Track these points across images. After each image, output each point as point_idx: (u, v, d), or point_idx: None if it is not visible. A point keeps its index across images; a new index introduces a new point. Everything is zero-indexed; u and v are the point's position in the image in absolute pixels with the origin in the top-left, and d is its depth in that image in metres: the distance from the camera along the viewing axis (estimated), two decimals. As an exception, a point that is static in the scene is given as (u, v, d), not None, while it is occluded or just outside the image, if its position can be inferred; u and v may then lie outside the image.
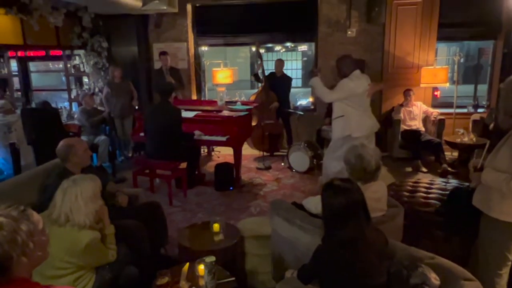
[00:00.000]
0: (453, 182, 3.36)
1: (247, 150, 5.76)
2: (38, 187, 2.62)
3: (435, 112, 5.34)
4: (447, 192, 2.96)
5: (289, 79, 5.94)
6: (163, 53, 5.70)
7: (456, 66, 5.68)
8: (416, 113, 5.30)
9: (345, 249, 1.58)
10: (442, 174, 4.70)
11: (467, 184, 2.84)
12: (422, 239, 2.58)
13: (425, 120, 5.39)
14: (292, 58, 15.78)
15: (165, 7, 5.35)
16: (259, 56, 5.67)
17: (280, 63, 5.91)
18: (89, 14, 5.64)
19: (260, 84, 5.80)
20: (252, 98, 5.74)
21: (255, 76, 5.80)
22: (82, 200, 1.97)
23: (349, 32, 5.79)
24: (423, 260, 1.69)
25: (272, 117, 5.69)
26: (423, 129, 5.27)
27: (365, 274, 1.59)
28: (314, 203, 2.25)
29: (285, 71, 5.90)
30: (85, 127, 5.05)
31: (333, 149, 3.83)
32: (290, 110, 5.71)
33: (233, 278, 2.09)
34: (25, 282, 1.16)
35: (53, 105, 5.11)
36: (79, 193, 1.98)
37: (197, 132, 4.47)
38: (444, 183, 3.31)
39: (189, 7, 6.20)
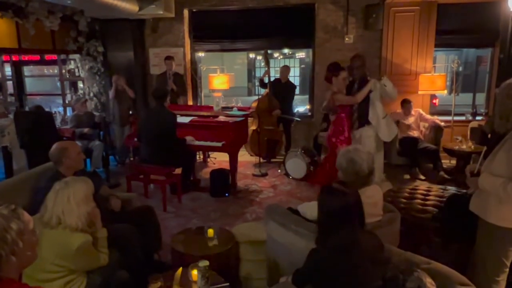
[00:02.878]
0: (451, 189, 3.34)
1: (244, 157, 5.72)
2: (30, 190, 2.60)
3: (436, 120, 5.28)
4: (445, 199, 2.94)
5: (293, 86, 5.96)
6: (168, 58, 5.69)
7: (454, 74, 5.70)
8: (415, 124, 5.26)
9: (339, 254, 1.58)
10: (439, 182, 4.68)
11: (464, 191, 2.82)
12: (419, 246, 2.55)
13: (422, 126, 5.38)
14: (290, 65, 15.84)
15: (161, 12, 5.36)
16: (267, 62, 5.69)
17: (286, 69, 5.93)
18: (86, 18, 5.64)
19: (263, 90, 5.80)
20: (254, 104, 5.72)
21: (261, 81, 5.82)
22: (74, 202, 1.95)
23: (346, 39, 5.81)
24: (419, 265, 1.67)
25: (273, 124, 5.67)
26: (421, 136, 5.26)
27: (358, 279, 1.57)
28: (309, 209, 2.22)
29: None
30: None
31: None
32: (285, 116, 5.68)
33: (227, 284, 2.06)
34: (13, 283, 1.14)
35: (47, 110, 5.06)
36: (72, 195, 1.96)
37: (188, 138, 4.45)
38: (441, 190, 3.29)
39: (185, 12, 6.22)
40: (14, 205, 1.19)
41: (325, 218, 1.66)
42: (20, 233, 1.15)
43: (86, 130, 4.99)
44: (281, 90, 5.69)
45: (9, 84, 6.19)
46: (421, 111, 5.37)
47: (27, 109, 5.57)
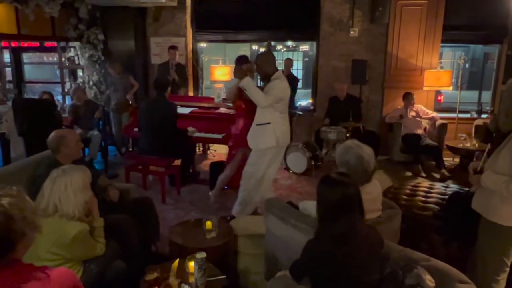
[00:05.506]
0: (453, 187, 3.31)
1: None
2: (27, 178, 2.56)
3: (434, 114, 5.26)
4: (447, 197, 2.91)
5: (295, 80, 5.89)
6: (172, 47, 5.64)
7: (460, 70, 5.63)
8: (419, 120, 5.21)
9: (335, 244, 1.57)
10: (441, 179, 4.65)
11: (467, 189, 2.79)
12: (420, 243, 2.53)
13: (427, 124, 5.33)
14: (293, 58, 15.72)
15: (163, 0, 5.29)
16: None
17: (289, 62, 5.87)
18: (86, 5, 5.57)
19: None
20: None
21: None
22: (71, 190, 1.94)
23: (351, 32, 5.74)
24: (419, 262, 1.66)
25: None
26: (424, 133, 5.21)
27: (354, 271, 1.56)
28: (310, 208, 2.18)
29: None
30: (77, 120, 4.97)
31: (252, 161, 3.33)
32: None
33: (224, 276, 2.04)
34: (21, 263, 1.16)
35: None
36: (69, 183, 1.94)
37: (190, 129, 4.40)
38: (444, 188, 3.26)
39: (188, 1, 6.13)
40: (15, 186, 1.20)
41: (324, 209, 1.64)
42: (34, 212, 1.17)
43: (80, 132, 4.87)
44: None
45: (8, 71, 6.13)
46: (422, 107, 5.31)
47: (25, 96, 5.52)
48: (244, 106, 3.64)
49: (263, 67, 3.23)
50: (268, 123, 3.18)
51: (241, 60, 3.46)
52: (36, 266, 1.18)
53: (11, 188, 1.17)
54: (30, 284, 1.11)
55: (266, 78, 3.23)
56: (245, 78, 3.11)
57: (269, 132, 3.20)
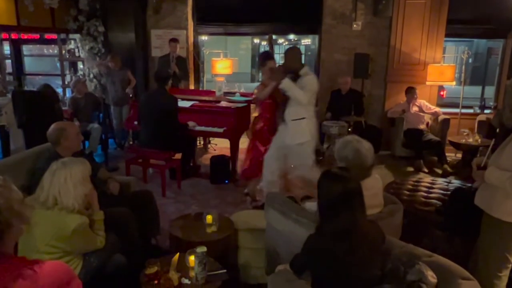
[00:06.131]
0: (455, 183, 3.29)
1: (245, 144, 5.64)
2: (27, 170, 2.56)
3: (436, 109, 5.25)
4: (449, 192, 2.90)
5: None
6: (174, 40, 5.59)
7: (463, 65, 5.59)
8: (422, 115, 5.19)
9: (336, 240, 1.56)
10: (442, 175, 4.63)
11: (469, 185, 2.78)
12: (422, 238, 2.52)
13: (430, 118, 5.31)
14: (294, 52, 15.61)
15: (164, -8, 5.23)
16: (271, 48, 5.57)
17: None
18: (86, -4, 5.52)
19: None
20: (256, 91, 5.62)
21: None
22: (71, 182, 1.91)
23: (354, 25, 5.68)
24: (421, 258, 1.65)
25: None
26: (426, 128, 5.19)
27: (355, 266, 1.56)
28: (309, 208, 2.16)
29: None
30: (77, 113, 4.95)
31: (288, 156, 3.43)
32: None
33: (224, 270, 2.04)
34: (11, 258, 1.12)
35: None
36: (68, 176, 1.92)
37: (190, 123, 4.38)
38: (446, 183, 3.25)
39: (189, -7, 6.08)
40: (1, 176, 1.15)
41: (325, 204, 1.63)
42: (21, 203, 1.13)
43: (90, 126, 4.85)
44: None
45: (8, 63, 6.11)
46: (424, 102, 5.28)
47: (26, 88, 5.51)
48: (271, 100, 3.70)
49: (290, 63, 3.31)
50: (304, 118, 3.29)
51: (265, 58, 3.59)
52: (28, 260, 1.14)
53: None
54: (18, 283, 1.06)
55: (293, 74, 3.30)
56: (284, 80, 3.20)
57: (305, 127, 3.31)
